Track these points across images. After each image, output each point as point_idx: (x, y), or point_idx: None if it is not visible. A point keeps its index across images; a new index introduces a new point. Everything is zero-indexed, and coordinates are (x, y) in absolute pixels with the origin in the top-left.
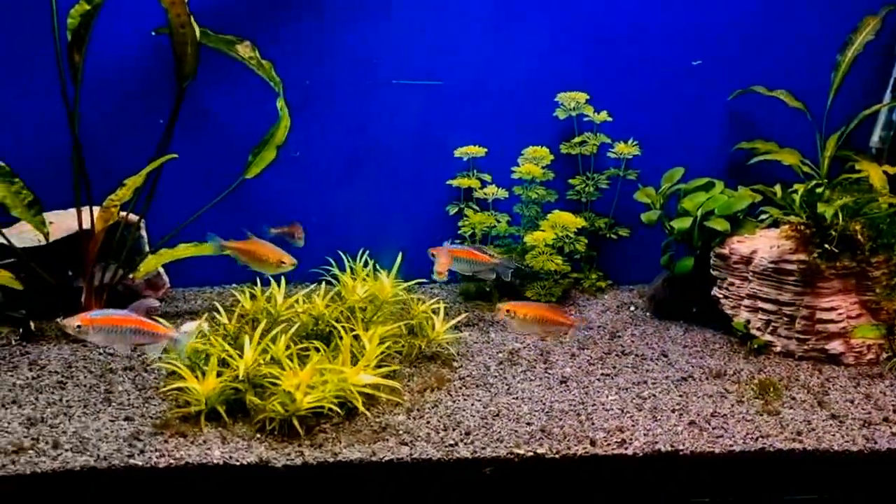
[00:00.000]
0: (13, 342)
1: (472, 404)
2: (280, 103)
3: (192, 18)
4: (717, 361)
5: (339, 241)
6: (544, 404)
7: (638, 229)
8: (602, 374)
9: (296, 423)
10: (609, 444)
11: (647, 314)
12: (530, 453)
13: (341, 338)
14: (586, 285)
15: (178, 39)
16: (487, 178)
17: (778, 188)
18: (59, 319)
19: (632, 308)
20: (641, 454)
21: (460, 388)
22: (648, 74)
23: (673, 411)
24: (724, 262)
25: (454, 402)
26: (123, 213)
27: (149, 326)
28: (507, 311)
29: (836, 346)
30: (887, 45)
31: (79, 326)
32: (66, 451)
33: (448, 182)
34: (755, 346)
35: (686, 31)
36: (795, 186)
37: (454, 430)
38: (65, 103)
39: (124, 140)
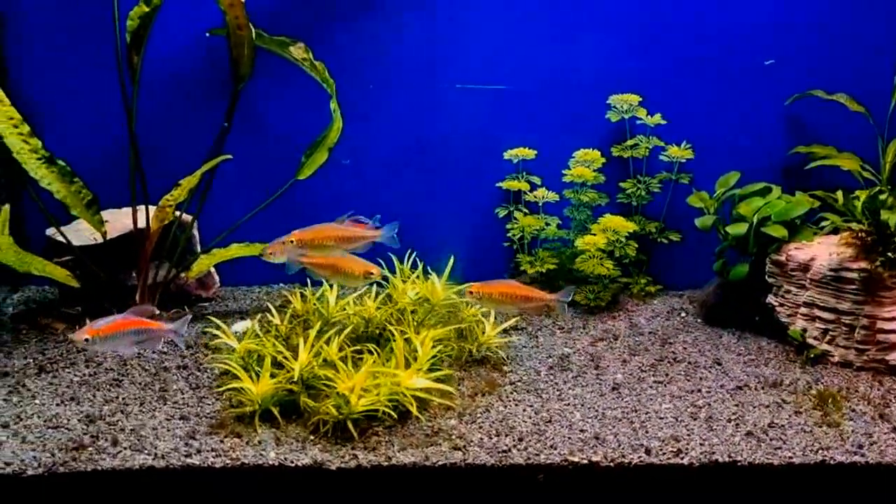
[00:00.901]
0: (69, 339)
1: (524, 410)
2: (333, 105)
3: (248, 20)
4: (772, 371)
5: (389, 246)
6: (597, 411)
7: (688, 234)
8: (654, 382)
9: (350, 425)
10: (664, 454)
11: (698, 320)
12: (584, 461)
13: (392, 340)
14: (635, 290)
15: (235, 41)
16: (537, 180)
17: (840, 194)
18: (70, 334)
19: (682, 314)
20: (698, 464)
21: (511, 392)
22: (702, 76)
23: (729, 421)
24: (780, 269)
25: (506, 406)
26: (177, 213)
27: (148, 325)
28: (471, 292)
29: None
30: None
31: (87, 339)
32: (125, 448)
33: (498, 185)
34: (812, 355)
35: (743, 32)
36: (857, 193)
37: (507, 435)
38: (124, 103)
39: (176, 140)
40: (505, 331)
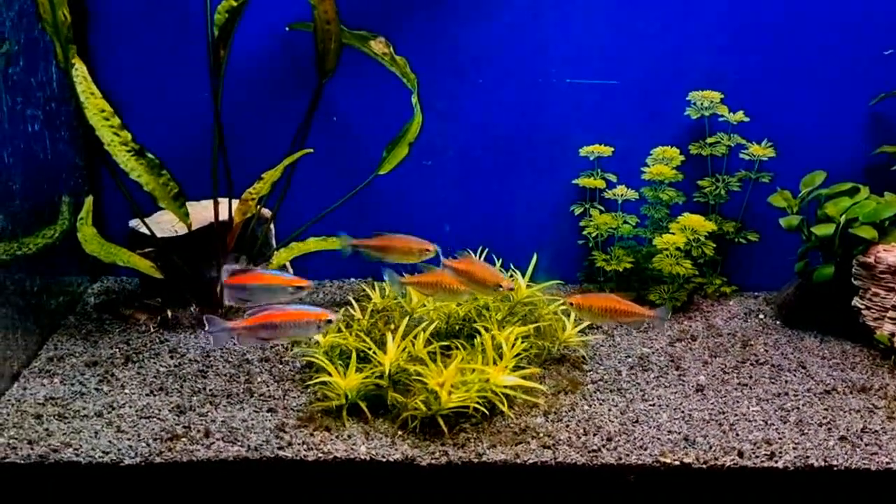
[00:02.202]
0: (151, 329)
1: (609, 409)
2: (414, 100)
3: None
4: (859, 375)
5: (465, 240)
6: (683, 412)
7: (765, 234)
8: (738, 384)
9: (440, 421)
10: (758, 457)
11: (777, 322)
12: (677, 462)
13: (477, 335)
14: (710, 291)
15: (322, 35)
16: (613, 177)
17: None
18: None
19: (760, 316)
20: (793, 468)
21: (594, 392)
22: (784, 73)
23: (820, 425)
24: (867, 271)
25: (590, 406)
26: (258, 207)
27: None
28: (572, 303)
29: None
30: None
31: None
32: (218, 440)
33: (574, 181)
34: None
35: (829, 29)
36: None
37: (595, 434)
38: (213, 97)
39: (256, 134)
40: (581, 330)
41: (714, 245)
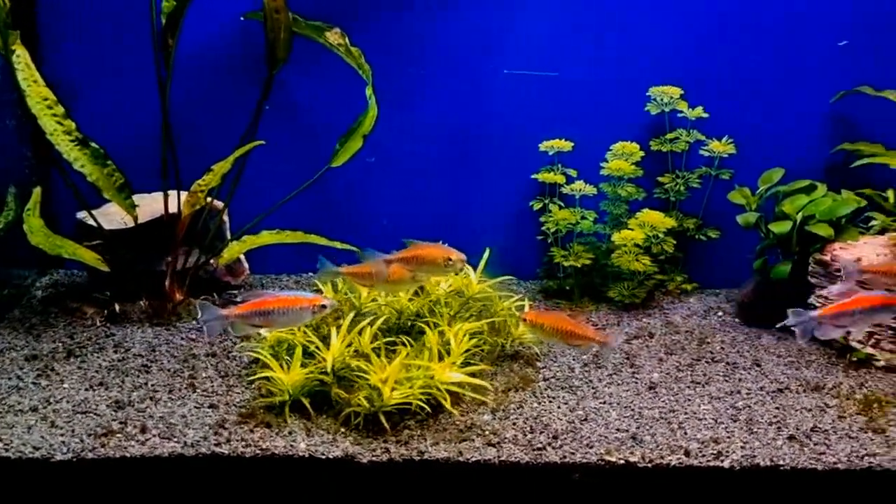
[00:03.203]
0: (98, 323)
1: (559, 407)
2: (369, 91)
3: (286, 4)
4: (814, 373)
5: (420, 235)
6: (633, 410)
7: (726, 231)
8: (692, 382)
9: (382, 418)
10: (704, 456)
11: (736, 320)
12: (622, 461)
13: (423, 332)
14: (671, 288)
15: (271, 25)
16: (573, 173)
17: (891, 193)
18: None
19: (719, 313)
20: (739, 468)
21: (545, 389)
22: (745, 71)
23: (770, 424)
24: (824, 269)
25: (539, 403)
26: (209, 199)
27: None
28: (524, 319)
29: None
30: None
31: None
32: (154, 436)
33: (533, 176)
34: (855, 358)
35: (788, 27)
36: None
37: (541, 432)
38: (159, 87)
39: (209, 125)
40: None
41: (674, 242)
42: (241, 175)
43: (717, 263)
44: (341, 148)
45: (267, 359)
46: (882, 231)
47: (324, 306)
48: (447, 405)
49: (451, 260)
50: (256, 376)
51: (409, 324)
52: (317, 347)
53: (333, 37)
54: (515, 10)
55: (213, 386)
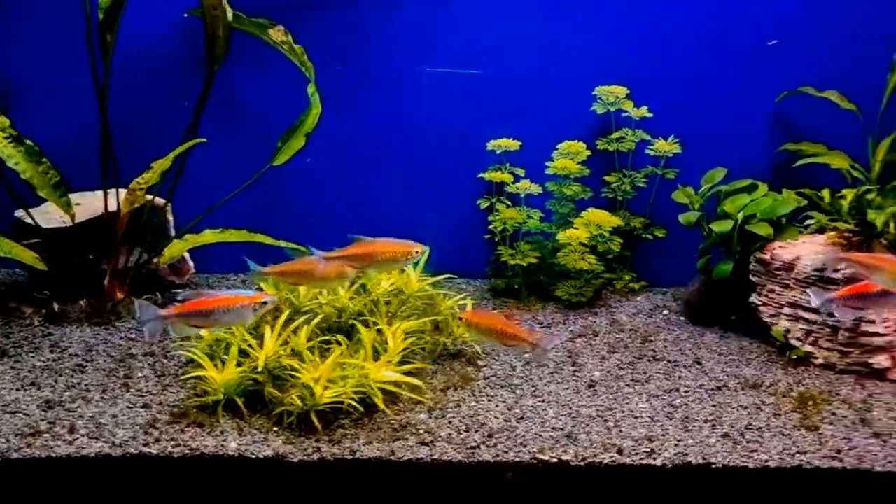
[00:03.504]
0: (36, 323)
1: (497, 405)
2: (311, 89)
3: (225, 1)
4: (753, 371)
5: (367, 233)
6: (571, 409)
7: (674, 230)
8: (632, 380)
9: (314, 417)
10: (637, 454)
11: (682, 318)
12: (554, 459)
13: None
14: (619, 286)
15: (209, 21)
16: (521, 172)
17: (826, 193)
18: None
19: (665, 312)
20: (671, 466)
21: (484, 388)
22: (692, 70)
23: (706, 422)
24: (764, 267)
25: (478, 402)
26: (150, 197)
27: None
28: (461, 318)
29: (881, 361)
30: None
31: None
32: (82, 436)
33: (480, 175)
34: (794, 356)
35: (733, 27)
36: (844, 192)
37: (477, 431)
38: (95, 84)
39: (153, 122)
40: None
41: (621, 241)
42: (181, 173)
43: (665, 262)
44: (283, 146)
45: (200, 358)
46: (820, 230)
47: (265, 303)
48: (380, 403)
49: (416, 252)
50: (188, 375)
51: (351, 323)
52: (249, 346)
53: (277, 34)
54: (464, 9)
55: (148, 386)
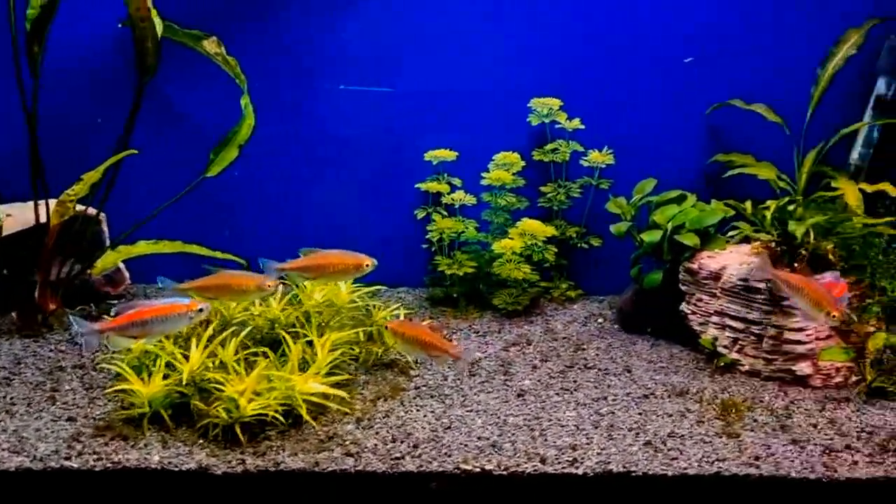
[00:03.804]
0: None
1: (425, 415)
2: (244, 101)
3: (154, 13)
4: (681, 379)
5: (305, 244)
6: (498, 418)
7: (611, 239)
8: (561, 389)
9: (238, 430)
10: (560, 463)
11: (615, 327)
12: (477, 469)
13: (295, 342)
14: (556, 295)
15: (138, 34)
16: (458, 182)
17: (748, 204)
18: None
19: (600, 320)
20: (592, 474)
21: (414, 398)
22: (625, 83)
23: (630, 430)
24: (692, 277)
25: (407, 412)
26: (82, 208)
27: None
28: (387, 327)
29: (803, 368)
30: (870, 60)
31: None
32: (3, 450)
33: (416, 185)
34: (721, 364)
35: (665, 40)
36: (767, 203)
37: (403, 441)
38: (21, 96)
39: (88, 134)
40: None
41: (556, 250)
42: (113, 184)
43: (603, 271)
44: (216, 158)
45: (125, 371)
46: (746, 240)
47: (200, 310)
48: (304, 415)
49: (367, 265)
50: (112, 389)
51: (284, 334)
52: (175, 359)
53: (211, 45)
54: (400, 22)
55: (75, 399)
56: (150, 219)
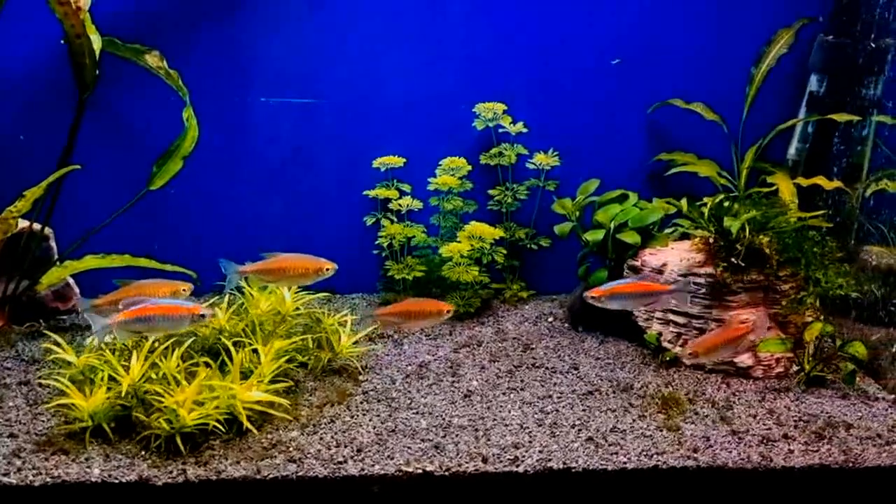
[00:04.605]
0: None
1: (371, 420)
2: (187, 113)
3: (92, 29)
4: (626, 374)
5: (251, 253)
6: (444, 419)
7: (559, 240)
8: (508, 388)
9: (178, 440)
10: (501, 462)
11: (566, 325)
12: (419, 471)
13: (237, 351)
14: (508, 296)
15: (75, 49)
16: (407, 188)
17: (684, 201)
18: None
19: (551, 319)
20: (532, 472)
21: (361, 402)
22: (568, 85)
23: (573, 427)
24: (636, 273)
25: (352, 417)
26: (26, 224)
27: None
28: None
29: (744, 360)
30: (802, 58)
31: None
32: None
33: (364, 192)
34: (666, 358)
35: (604, 42)
36: (704, 199)
37: (346, 446)
38: None
39: (31, 149)
40: (370, 338)
41: (505, 252)
42: (56, 200)
43: (553, 270)
44: (159, 171)
45: (65, 385)
46: (685, 236)
47: (203, 315)
48: (246, 423)
49: (327, 269)
50: (52, 404)
51: (228, 343)
52: (115, 371)
53: (153, 59)
54: (345, 30)
55: (17, 415)
56: (94, 232)
